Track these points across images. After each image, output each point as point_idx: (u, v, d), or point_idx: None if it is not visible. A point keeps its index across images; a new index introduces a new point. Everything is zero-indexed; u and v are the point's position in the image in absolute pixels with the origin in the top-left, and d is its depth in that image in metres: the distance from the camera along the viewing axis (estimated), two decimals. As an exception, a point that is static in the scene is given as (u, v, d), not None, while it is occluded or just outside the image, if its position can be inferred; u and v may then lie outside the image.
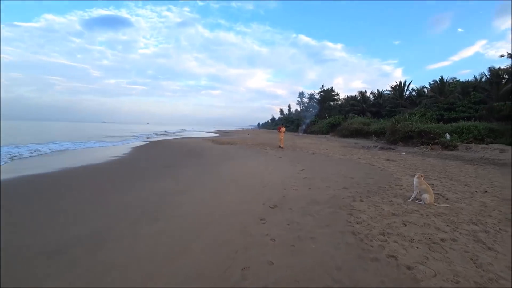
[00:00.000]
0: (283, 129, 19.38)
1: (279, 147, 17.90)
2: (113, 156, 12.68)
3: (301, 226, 4.19)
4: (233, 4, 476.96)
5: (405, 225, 4.24)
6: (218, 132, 57.53)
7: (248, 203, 5.42)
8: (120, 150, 15.95)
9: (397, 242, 3.60)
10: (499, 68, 28.99)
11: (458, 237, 3.83)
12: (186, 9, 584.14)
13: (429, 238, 3.75)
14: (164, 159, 11.90)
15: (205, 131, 61.03)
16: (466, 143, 17.84)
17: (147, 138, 29.72)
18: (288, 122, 75.76)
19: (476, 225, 4.38)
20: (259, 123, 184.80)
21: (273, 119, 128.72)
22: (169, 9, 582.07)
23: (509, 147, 15.35)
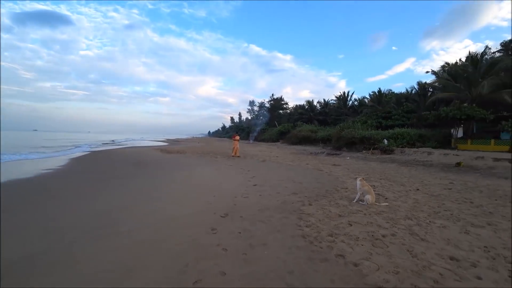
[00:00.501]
0: (237, 137, 19.00)
1: (233, 156, 17.63)
2: (47, 169, 11.06)
3: (253, 233, 4.20)
4: (185, 10, 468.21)
5: (351, 225, 4.56)
6: (167, 141, 54.85)
7: (198, 213, 5.25)
8: (57, 161, 14.04)
9: (344, 242, 3.83)
10: (425, 83, 34.92)
11: (396, 232, 4.25)
12: (135, 11, 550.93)
13: (372, 235, 4.09)
14: (106, 171, 10.85)
15: (153, 140, 57.48)
16: (401, 147, 20.28)
17: (90, 148, 26.69)
18: (239, 130, 76.81)
19: (411, 219, 4.94)
20: (209, 132, 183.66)
21: (223, 127, 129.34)
22: (115, 10, 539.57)
23: (434, 150, 17.90)
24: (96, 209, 5.53)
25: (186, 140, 66.68)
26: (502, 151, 18.09)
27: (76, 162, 14.31)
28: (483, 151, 18.59)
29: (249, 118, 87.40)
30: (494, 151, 18.23)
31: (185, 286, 2.75)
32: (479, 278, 3.00)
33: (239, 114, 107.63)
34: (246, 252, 3.52)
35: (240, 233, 4.21)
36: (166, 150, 22.87)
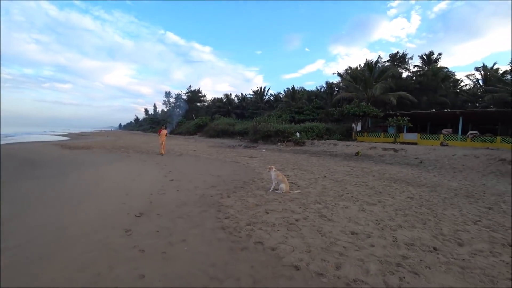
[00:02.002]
0: (165, 131, 16.64)
1: (161, 154, 15.02)
2: None
3: (172, 230, 4.02)
4: None
5: (268, 213, 4.86)
6: (69, 134, 46.27)
7: (109, 215, 4.71)
8: None
9: (262, 229, 4.06)
10: (332, 83, 40.01)
11: (308, 216, 4.75)
12: None
13: (287, 221, 4.46)
14: None
15: (52, 134, 47.36)
16: (311, 139, 22.65)
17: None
18: (153, 123, 72.04)
19: (320, 203, 5.59)
20: (121, 124, 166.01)
21: (137, 119, 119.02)
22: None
23: (339, 142, 20.65)
24: None
25: (93, 133, 57.90)
26: (389, 142, 22.24)
27: None
28: (375, 142, 22.46)
29: (165, 110, 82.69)
30: (383, 142, 22.24)
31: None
32: (373, 246, 3.63)
33: (154, 106, 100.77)
34: (166, 251, 3.37)
35: (158, 231, 3.98)
36: (67, 145, 19.47)
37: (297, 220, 4.50)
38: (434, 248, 3.62)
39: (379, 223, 4.54)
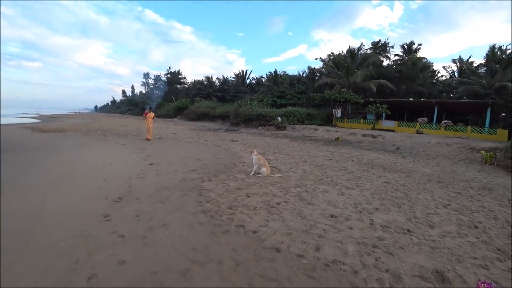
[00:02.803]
0: (152, 114, 14.60)
1: (147, 139, 13.57)
2: None
3: (152, 215, 3.94)
4: None
5: (249, 196, 4.88)
6: (40, 117, 43.18)
7: (86, 201, 4.53)
8: None
9: (243, 213, 4.08)
10: (314, 68, 39.95)
11: (288, 199, 4.82)
12: None
13: (268, 204, 4.50)
14: None
15: (20, 116, 43.94)
16: (292, 124, 22.83)
17: None
18: (132, 105, 69.45)
19: (300, 187, 5.68)
20: (96, 106, 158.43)
21: (113, 101, 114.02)
22: None
23: (319, 127, 20.94)
24: None
25: (67, 116, 54.34)
26: (368, 129, 22.85)
27: None
28: (355, 128, 23.00)
29: (144, 92, 79.73)
30: (362, 129, 22.82)
31: (76, 285, 2.40)
32: (351, 228, 3.76)
33: (132, 87, 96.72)
34: (146, 236, 3.31)
35: (137, 216, 3.89)
36: (39, 128, 18.28)
37: (278, 204, 4.55)
38: (408, 230, 3.81)
39: (357, 207, 4.69)
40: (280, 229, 3.59)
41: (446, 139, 15.64)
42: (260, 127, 22.81)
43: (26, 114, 54.24)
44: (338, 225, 3.83)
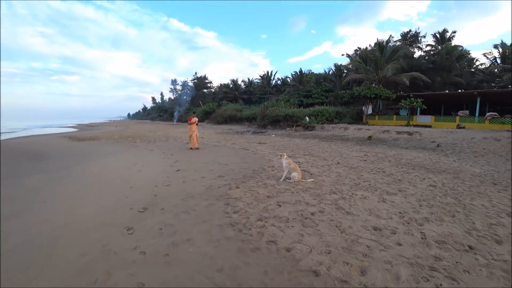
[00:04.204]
0: (195, 119, 12.81)
1: (191, 148, 12.14)
2: None
3: (176, 227, 3.69)
4: None
5: (280, 205, 4.47)
6: (78, 126, 46.17)
7: (111, 211, 4.43)
8: None
9: (274, 225, 3.68)
10: (341, 65, 38.42)
11: (324, 208, 4.34)
12: None
13: (302, 215, 4.06)
14: None
15: (61, 126, 47.33)
16: (321, 123, 21.99)
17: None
18: (161, 111, 72.08)
19: (336, 193, 5.16)
20: (129, 114, 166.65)
21: (144, 108, 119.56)
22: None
23: (350, 126, 19.98)
24: None
25: (102, 124, 57.84)
26: (402, 125, 21.44)
27: None
28: (388, 125, 21.67)
29: (172, 98, 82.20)
30: (396, 126, 21.44)
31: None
32: (400, 244, 3.21)
33: (161, 94, 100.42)
34: (168, 253, 3.04)
35: (161, 229, 3.66)
36: (75, 137, 19.34)
37: (312, 214, 4.09)
38: (470, 247, 3.18)
39: (403, 216, 4.10)
40: (317, 245, 3.14)
41: (493, 133, 14.10)
42: (288, 128, 22.25)
43: (65, 124, 57.87)
44: (384, 241, 3.30)
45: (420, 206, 4.59)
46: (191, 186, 5.79)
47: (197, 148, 11.97)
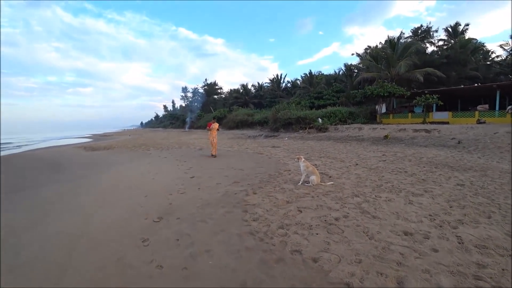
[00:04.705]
0: (216, 125, 12.07)
1: (212, 155, 11.36)
2: None
3: (193, 238, 3.54)
4: None
5: (301, 211, 4.26)
6: (93, 136, 47.27)
7: (126, 220, 4.34)
8: None
9: (297, 233, 3.47)
10: (351, 64, 37.93)
11: (348, 213, 4.11)
12: None
13: (325, 221, 3.84)
14: (7, 182, 8.47)
15: (76, 137, 48.67)
16: (334, 125, 21.63)
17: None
18: (173, 119, 73.35)
19: (358, 196, 4.91)
20: (142, 122, 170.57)
21: (157, 116, 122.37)
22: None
23: (364, 126, 19.53)
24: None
25: (116, 133, 59.11)
26: (417, 123, 20.80)
27: None
28: (403, 124, 21.08)
29: (183, 105, 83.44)
30: (412, 123, 20.83)
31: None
32: (435, 250, 2.96)
33: (173, 102, 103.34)
34: (187, 266, 2.88)
35: (178, 240, 3.51)
36: (90, 147, 19.69)
37: (336, 219, 3.87)
38: (515, 251, 2.90)
39: (434, 219, 3.82)
40: (345, 254, 2.92)
41: (516, 127, 13.42)
42: (301, 131, 21.96)
43: (81, 134, 59.35)
44: (418, 247, 3.05)
45: (451, 207, 4.29)
46: (207, 193, 5.65)
47: (213, 156, 11.25)
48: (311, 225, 3.69)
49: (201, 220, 4.16)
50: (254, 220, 3.99)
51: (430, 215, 3.96)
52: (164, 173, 8.17)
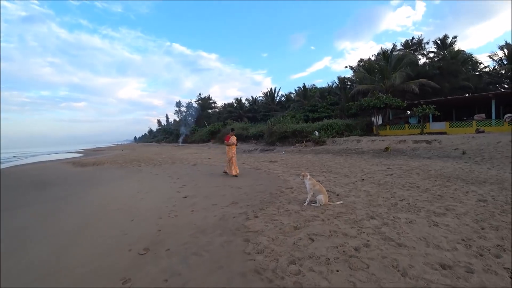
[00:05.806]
0: (234, 139, 10.14)
1: (234, 175, 9.46)
2: None
3: (185, 277, 2.90)
4: (98, 4, 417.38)
5: (313, 240, 3.64)
6: (84, 151, 46.01)
7: (106, 253, 3.68)
8: None
9: (313, 270, 2.85)
10: (344, 77, 38.23)
11: (368, 240, 3.51)
12: (35, 1, 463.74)
13: (343, 252, 3.23)
14: None
15: (67, 152, 47.28)
16: (332, 137, 21.20)
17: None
18: (167, 133, 73.00)
19: (374, 218, 4.33)
20: (135, 137, 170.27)
21: (150, 131, 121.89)
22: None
23: (362, 138, 19.14)
24: None
25: (108, 148, 57.92)
26: (415, 134, 20.54)
27: None
28: (400, 135, 20.79)
29: (177, 119, 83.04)
30: (409, 134, 20.55)
31: None
32: (487, 291, 2.38)
33: (166, 116, 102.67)
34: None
35: (166, 281, 2.87)
36: (79, 162, 18.81)
37: (357, 250, 3.26)
38: None
39: (470, 245, 3.26)
40: (378, 300, 2.32)
41: (518, 135, 13.14)
42: (298, 144, 21.47)
43: (72, 149, 58.09)
44: (464, 285, 2.47)
45: (483, 229, 3.75)
46: (201, 217, 5.01)
47: (235, 175, 9.41)
48: (329, 259, 3.07)
49: (195, 252, 3.50)
50: (258, 253, 3.35)
51: (463, 240, 3.40)
52: (154, 192, 7.50)
